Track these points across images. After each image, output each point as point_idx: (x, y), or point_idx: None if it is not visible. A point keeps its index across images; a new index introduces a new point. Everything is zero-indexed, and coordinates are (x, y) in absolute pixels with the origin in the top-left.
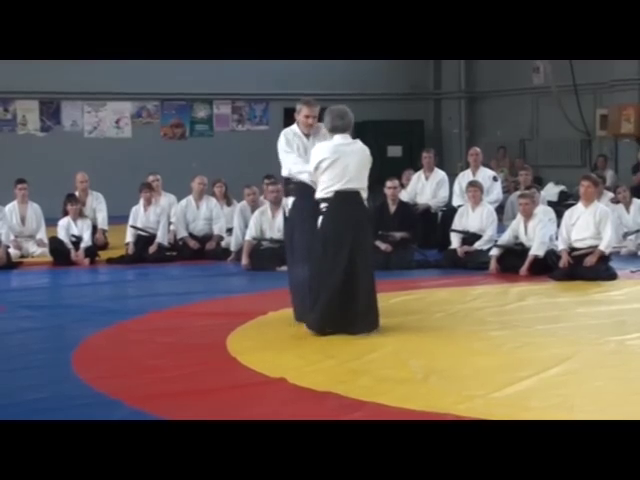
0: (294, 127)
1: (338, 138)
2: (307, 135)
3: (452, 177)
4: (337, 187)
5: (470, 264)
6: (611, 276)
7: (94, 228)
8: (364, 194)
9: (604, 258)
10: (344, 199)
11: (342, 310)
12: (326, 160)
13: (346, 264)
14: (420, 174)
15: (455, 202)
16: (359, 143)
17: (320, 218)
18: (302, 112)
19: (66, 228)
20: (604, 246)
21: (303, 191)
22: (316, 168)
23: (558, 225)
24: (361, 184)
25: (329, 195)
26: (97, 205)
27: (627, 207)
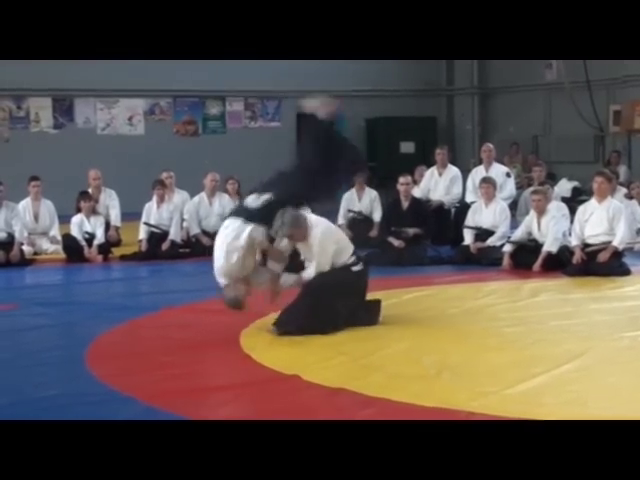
0: None
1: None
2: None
3: (465, 173)
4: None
5: (483, 260)
6: (625, 272)
7: (107, 225)
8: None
9: (617, 254)
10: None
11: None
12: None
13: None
14: (433, 170)
15: (468, 198)
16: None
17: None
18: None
19: (79, 225)
20: (617, 242)
21: None
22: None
23: (571, 221)
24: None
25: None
26: (110, 202)
27: None
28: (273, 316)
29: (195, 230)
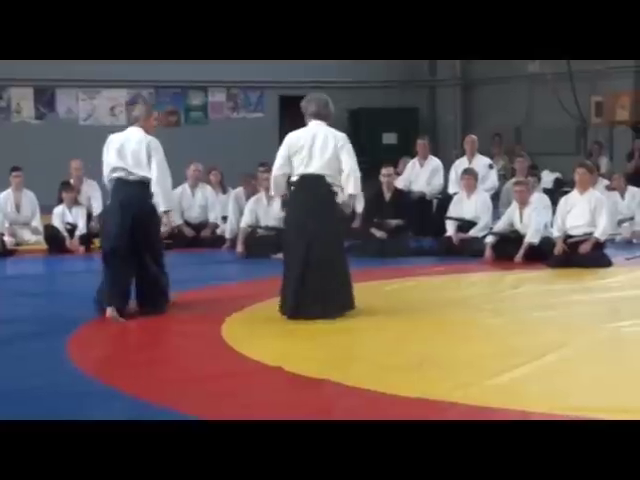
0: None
1: (311, 124)
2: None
3: (447, 164)
4: (301, 171)
5: (465, 251)
6: (606, 263)
7: (89, 216)
8: (333, 180)
9: (599, 245)
10: (306, 184)
11: (305, 295)
12: (294, 146)
13: (305, 250)
14: (415, 161)
15: (451, 189)
16: (328, 130)
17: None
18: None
19: (61, 216)
20: (599, 233)
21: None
22: (287, 157)
23: (553, 212)
24: (327, 170)
25: (295, 179)
26: (92, 193)
27: (622, 194)
28: (254, 307)
29: (177, 221)
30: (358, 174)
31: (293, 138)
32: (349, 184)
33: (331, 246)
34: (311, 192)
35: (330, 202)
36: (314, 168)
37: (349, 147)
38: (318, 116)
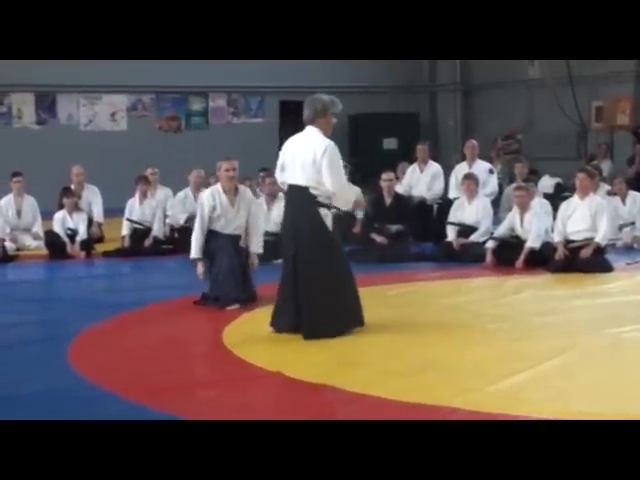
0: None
1: (305, 130)
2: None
3: (448, 170)
4: (289, 181)
5: (466, 257)
6: (607, 268)
7: (90, 221)
8: (317, 192)
9: (600, 250)
10: (291, 195)
11: (288, 313)
12: (283, 154)
13: (292, 267)
14: (415, 166)
15: (451, 194)
16: (313, 139)
17: None
18: (222, 167)
19: (62, 221)
20: (600, 238)
21: None
22: (282, 164)
23: (554, 217)
24: (311, 182)
25: (286, 189)
26: (93, 198)
27: (623, 199)
28: (255, 312)
29: (182, 219)
30: (343, 189)
31: (285, 145)
32: (337, 201)
33: (314, 263)
34: (294, 205)
35: (313, 216)
36: (296, 179)
37: (329, 160)
38: (311, 122)
